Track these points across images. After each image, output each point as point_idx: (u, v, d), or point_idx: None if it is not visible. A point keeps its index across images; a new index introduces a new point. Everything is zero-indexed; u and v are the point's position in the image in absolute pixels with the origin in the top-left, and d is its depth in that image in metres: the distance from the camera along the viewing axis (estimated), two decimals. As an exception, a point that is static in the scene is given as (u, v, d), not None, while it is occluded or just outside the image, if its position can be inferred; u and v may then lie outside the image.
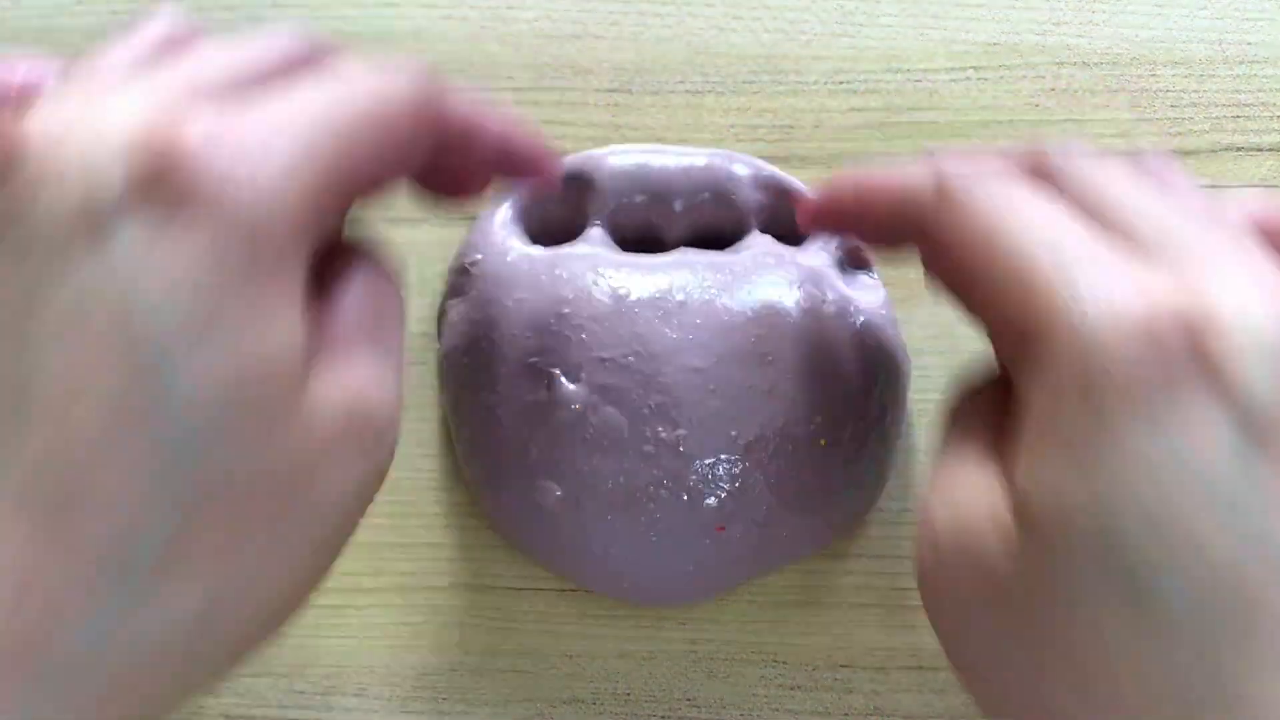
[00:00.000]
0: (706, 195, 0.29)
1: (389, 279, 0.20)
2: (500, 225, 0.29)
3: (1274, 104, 0.31)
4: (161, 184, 0.16)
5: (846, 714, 0.28)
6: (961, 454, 0.20)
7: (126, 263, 0.16)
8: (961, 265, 0.20)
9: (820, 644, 0.29)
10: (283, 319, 0.17)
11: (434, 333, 0.29)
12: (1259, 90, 0.31)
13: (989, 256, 0.19)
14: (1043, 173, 0.21)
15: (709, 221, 0.29)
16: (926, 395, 0.29)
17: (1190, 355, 0.17)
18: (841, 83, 0.31)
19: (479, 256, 0.28)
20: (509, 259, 0.28)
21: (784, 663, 0.29)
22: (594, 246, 0.28)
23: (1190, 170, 0.31)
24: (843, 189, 0.23)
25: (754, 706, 0.28)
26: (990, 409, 0.20)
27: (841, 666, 0.29)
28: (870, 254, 0.29)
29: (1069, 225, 0.19)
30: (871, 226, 0.23)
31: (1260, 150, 0.31)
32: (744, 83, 0.31)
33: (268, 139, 0.17)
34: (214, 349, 0.16)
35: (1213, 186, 0.31)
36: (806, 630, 0.29)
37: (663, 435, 0.26)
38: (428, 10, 0.31)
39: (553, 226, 0.29)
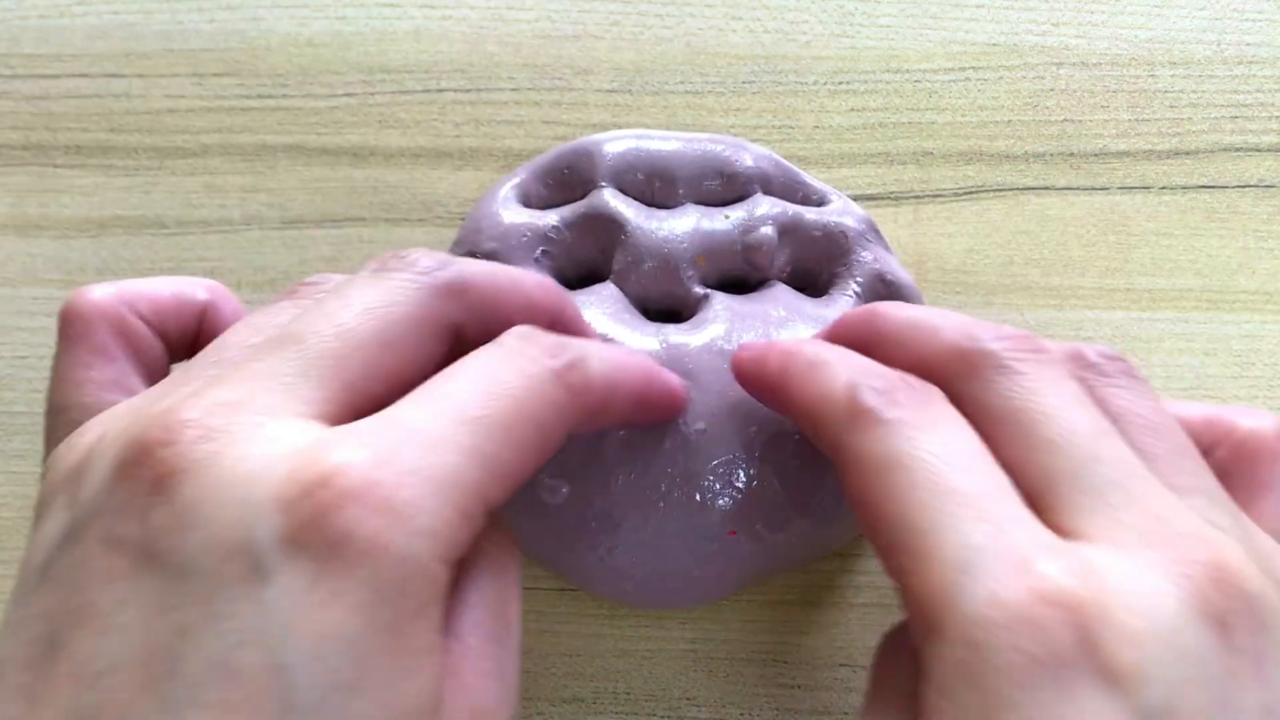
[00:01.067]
0: (707, 167, 0.29)
1: (511, 572, 0.20)
2: (502, 206, 0.29)
3: (1273, 104, 0.31)
4: (316, 532, 0.16)
5: (846, 714, 0.28)
6: (877, 715, 0.20)
7: (280, 614, 0.15)
8: (862, 502, 0.19)
9: (820, 644, 0.29)
10: (425, 669, 0.16)
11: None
12: (1257, 91, 0.31)
13: (887, 507, 0.19)
14: (972, 381, 0.20)
15: (714, 195, 0.29)
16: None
17: (1080, 645, 0.16)
18: (841, 83, 0.31)
19: (493, 245, 0.28)
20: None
21: (784, 663, 0.29)
22: (604, 301, 0.27)
23: (1188, 171, 0.31)
24: (769, 364, 0.23)
25: (754, 706, 0.28)
26: (909, 670, 0.20)
27: (841, 666, 0.29)
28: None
29: (975, 480, 0.18)
30: (790, 414, 0.22)
31: (1259, 150, 0.31)
32: (744, 83, 0.31)
33: (419, 468, 0.17)
34: (359, 706, 0.16)
35: (1211, 187, 0.31)
36: (806, 630, 0.29)
37: (681, 428, 0.26)
38: (428, 11, 0.31)
39: (556, 202, 0.29)
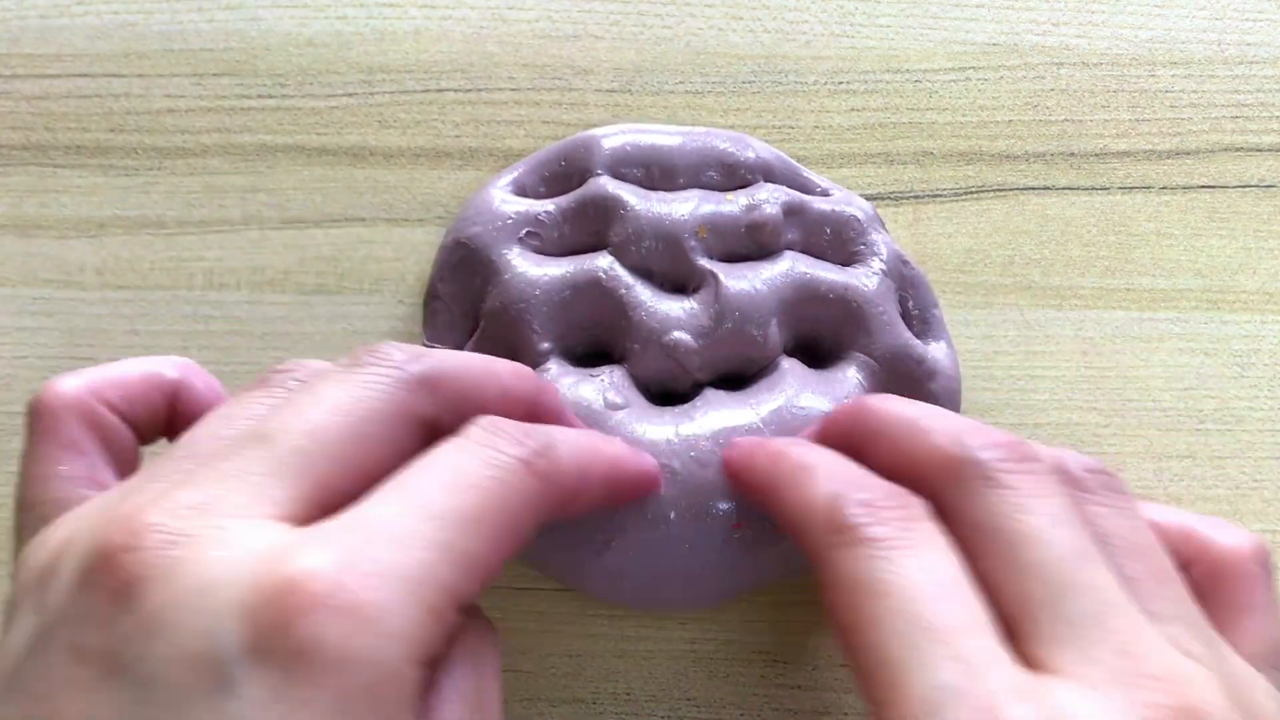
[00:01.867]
0: (708, 159, 0.29)
1: (488, 664, 0.19)
2: (493, 195, 0.29)
3: (1273, 104, 0.31)
4: (281, 640, 0.15)
5: (846, 714, 0.28)
6: None
7: None
8: (840, 623, 0.19)
9: (820, 644, 0.29)
10: None
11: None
12: (1258, 91, 0.31)
13: (863, 634, 0.19)
14: (959, 491, 0.20)
15: (714, 186, 0.29)
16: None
17: None
18: (841, 83, 0.31)
19: (476, 229, 0.28)
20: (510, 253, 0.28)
21: (784, 663, 0.29)
22: (610, 387, 0.27)
23: (1189, 171, 0.31)
24: (756, 465, 0.23)
25: (754, 706, 0.28)
26: None
27: (841, 666, 0.29)
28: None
29: (951, 612, 0.18)
30: (775, 517, 0.22)
31: (1259, 150, 0.31)
32: (744, 83, 0.31)
33: (386, 568, 0.16)
34: None
35: (1211, 187, 0.31)
36: (806, 630, 0.29)
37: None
38: (427, 11, 0.31)
39: (552, 194, 0.29)
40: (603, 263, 0.27)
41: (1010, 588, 0.19)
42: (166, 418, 0.23)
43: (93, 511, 0.18)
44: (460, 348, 0.28)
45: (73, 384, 0.21)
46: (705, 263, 0.27)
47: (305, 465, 0.18)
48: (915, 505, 0.20)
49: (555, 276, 0.27)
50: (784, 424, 0.26)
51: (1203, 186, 0.31)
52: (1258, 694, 0.19)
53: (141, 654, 0.16)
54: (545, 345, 0.27)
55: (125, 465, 0.22)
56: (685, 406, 0.27)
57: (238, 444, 0.18)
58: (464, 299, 0.29)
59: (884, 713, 0.18)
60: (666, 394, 0.27)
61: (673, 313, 0.27)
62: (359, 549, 0.16)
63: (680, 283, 0.28)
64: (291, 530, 0.17)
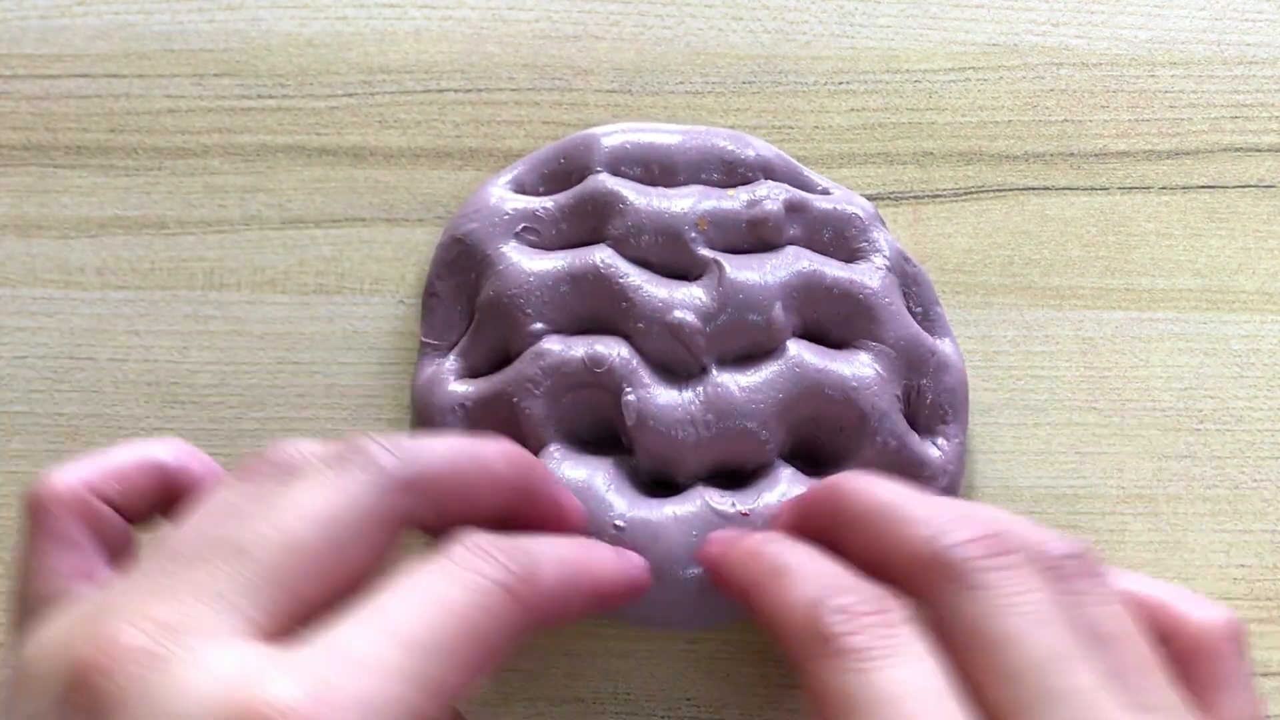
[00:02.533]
0: (709, 157, 0.29)
1: None
2: (491, 192, 0.29)
3: (1272, 104, 0.31)
4: None
5: (846, 714, 0.28)
6: None
7: None
8: None
9: (820, 644, 0.29)
10: None
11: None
12: (1257, 91, 0.31)
13: None
14: (939, 590, 0.20)
15: (715, 184, 0.29)
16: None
17: None
18: (841, 83, 0.31)
19: (473, 225, 0.28)
20: (505, 247, 0.28)
21: (784, 662, 0.29)
22: (609, 480, 0.27)
23: (1188, 171, 0.31)
24: (732, 565, 0.23)
25: (754, 706, 0.28)
26: None
27: (841, 666, 0.29)
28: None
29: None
30: (753, 617, 0.22)
31: (1259, 150, 0.31)
32: (744, 83, 0.31)
33: (357, 702, 0.16)
34: None
35: (1211, 187, 0.31)
36: (806, 630, 0.29)
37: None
38: (427, 11, 0.31)
39: (553, 191, 0.29)
40: (601, 254, 0.27)
41: (993, 692, 0.19)
42: (163, 502, 0.23)
43: (71, 623, 0.18)
44: (456, 344, 0.28)
45: (67, 479, 0.22)
46: (707, 252, 0.27)
47: (283, 580, 0.18)
48: (894, 610, 0.20)
49: (551, 268, 0.27)
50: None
51: (1202, 186, 0.31)
52: None
53: None
54: (538, 326, 0.27)
55: (119, 553, 0.22)
56: (681, 496, 0.26)
57: (215, 554, 0.18)
58: (460, 295, 0.29)
59: None
60: (664, 483, 0.27)
61: (675, 295, 0.27)
62: (331, 682, 0.16)
63: (681, 273, 0.28)
64: (263, 653, 0.17)
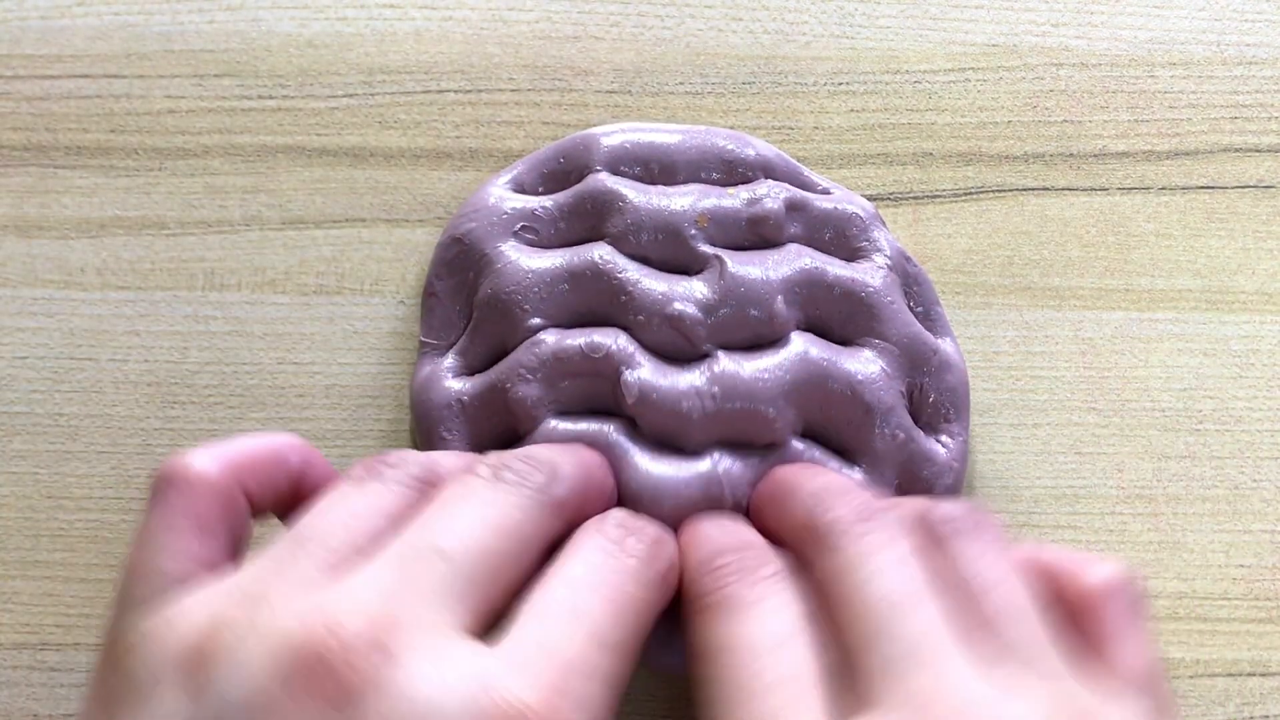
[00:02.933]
0: (709, 156, 0.29)
1: None
2: (491, 191, 0.29)
3: (1272, 105, 0.31)
4: None
5: (846, 714, 0.28)
6: None
7: None
8: (694, 684, 0.21)
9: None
10: None
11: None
12: (1257, 91, 0.31)
13: (704, 693, 0.20)
14: (815, 550, 0.22)
15: (715, 184, 0.29)
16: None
17: None
18: (841, 84, 0.31)
19: (471, 225, 0.28)
20: (504, 247, 0.28)
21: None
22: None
23: (1188, 171, 0.31)
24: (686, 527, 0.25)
25: (754, 706, 0.28)
26: None
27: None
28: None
29: (777, 670, 0.20)
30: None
31: (1258, 151, 0.31)
32: (744, 84, 0.31)
33: (583, 705, 0.18)
34: None
35: (1211, 187, 0.31)
36: (806, 630, 0.29)
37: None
38: (428, 12, 0.31)
39: (553, 190, 0.29)
40: (599, 251, 0.27)
41: (843, 635, 0.20)
42: (286, 499, 0.23)
43: (243, 602, 0.18)
44: (454, 344, 0.28)
45: (215, 465, 0.21)
46: (708, 248, 0.27)
47: (482, 585, 0.19)
48: (770, 564, 0.22)
49: (549, 265, 0.27)
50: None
51: (1202, 187, 0.31)
52: None
53: None
54: (536, 322, 0.27)
55: (239, 545, 0.22)
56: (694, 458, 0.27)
57: (408, 554, 0.19)
58: (459, 295, 0.29)
59: None
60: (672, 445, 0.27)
61: (676, 288, 0.27)
62: (558, 687, 0.18)
63: (681, 269, 0.28)
64: (491, 652, 0.18)
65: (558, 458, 0.23)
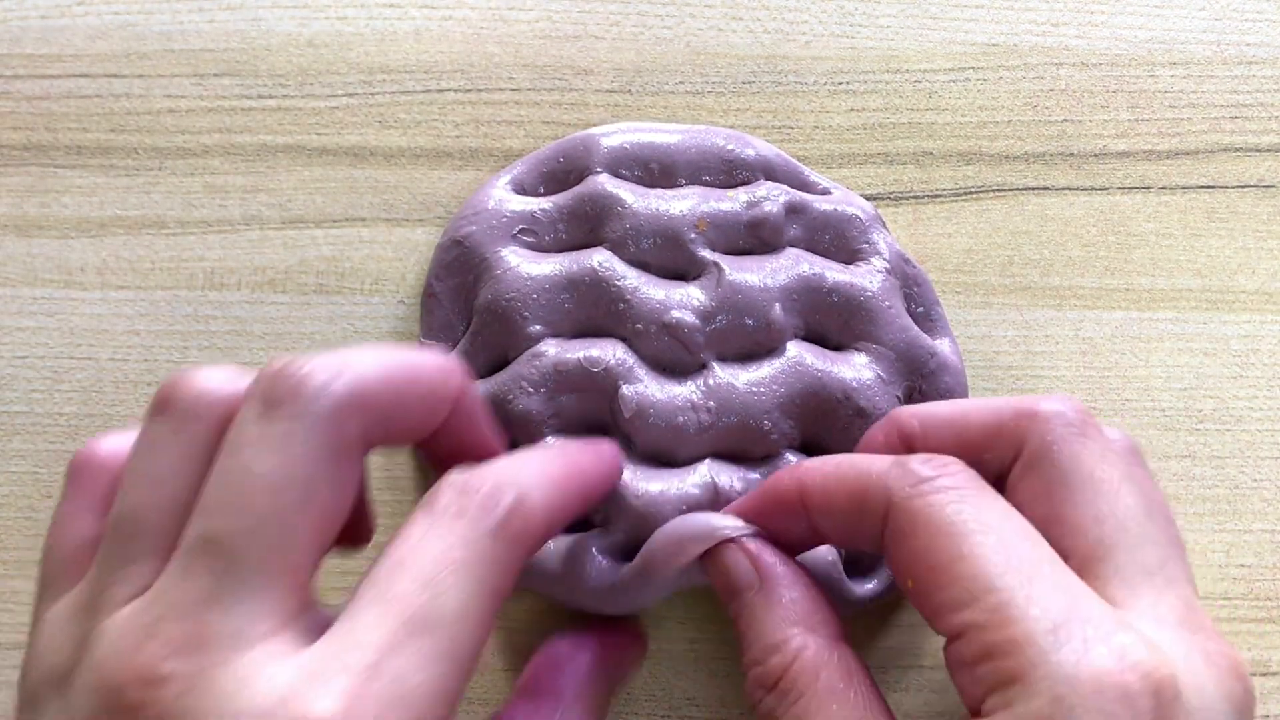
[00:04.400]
0: (709, 156, 0.29)
1: None
2: (490, 193, 0.29)
3: (1272, 104, 0.31)
4: None
5: (846, 713, 0.28)
6: None
7: None
8: (929, 564, 0.21)
9: (820, 644, 0.29)
10: None
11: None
12: (1257, 91, 0.31)
13: (962, 567, 0.20)
14: (1047, 442, 0.22)
15: (715, 185, 0.29)
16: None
17: (1155, 713, 0.18)
18: (841, 84, 0.31)
19: (471, 228, 0.28)
20: (503, 251, 0.28)
21: (784, 662, 0.29)
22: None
23: (1188, 171, 0.31)
24: (785, 485, 0.24)
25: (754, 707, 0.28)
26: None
27: (841, 666, 0.29)
28: None
29: (1042, 552, 0.20)
30: (817, 521, 0.23)
31: (1258, 150, 0.31)
32: (744, 83, 0.31)
33: (394, 706, 0.17)
34: None
35: (1211, 187, 0.31)
36: (806, 630, 0.29)
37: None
38: (428, 11, 0.31)
39: (553, 191, 0.29)
40: (598, 257, 0.27)
41: (1090, 532, 0.21)
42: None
43: (79, 622, 0.19)
44: (455, 345, 0.28)
45: (111, 445, 0.22)
46: (707, 254, 0.27)
47: (273, 563, 0.18)
48: (969, 468, 0.22)
49: (548, 273, 0.27)
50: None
51: (1202, 187, 0.31)
52: None
53: None
54: (536, 329, 0.27)
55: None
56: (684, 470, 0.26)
57: (197, 552, 0.18)
58: (459, 297, 0.29)
59: (992, 636, 0.19)
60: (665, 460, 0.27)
61: (673, 295, 0.27)
62: (360, 692, 0.17)
63: (680, 275, 0.28)
64: (289, 662, 0.17)
65: (344, 356, 0.19)
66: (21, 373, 0.30)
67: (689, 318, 0.26)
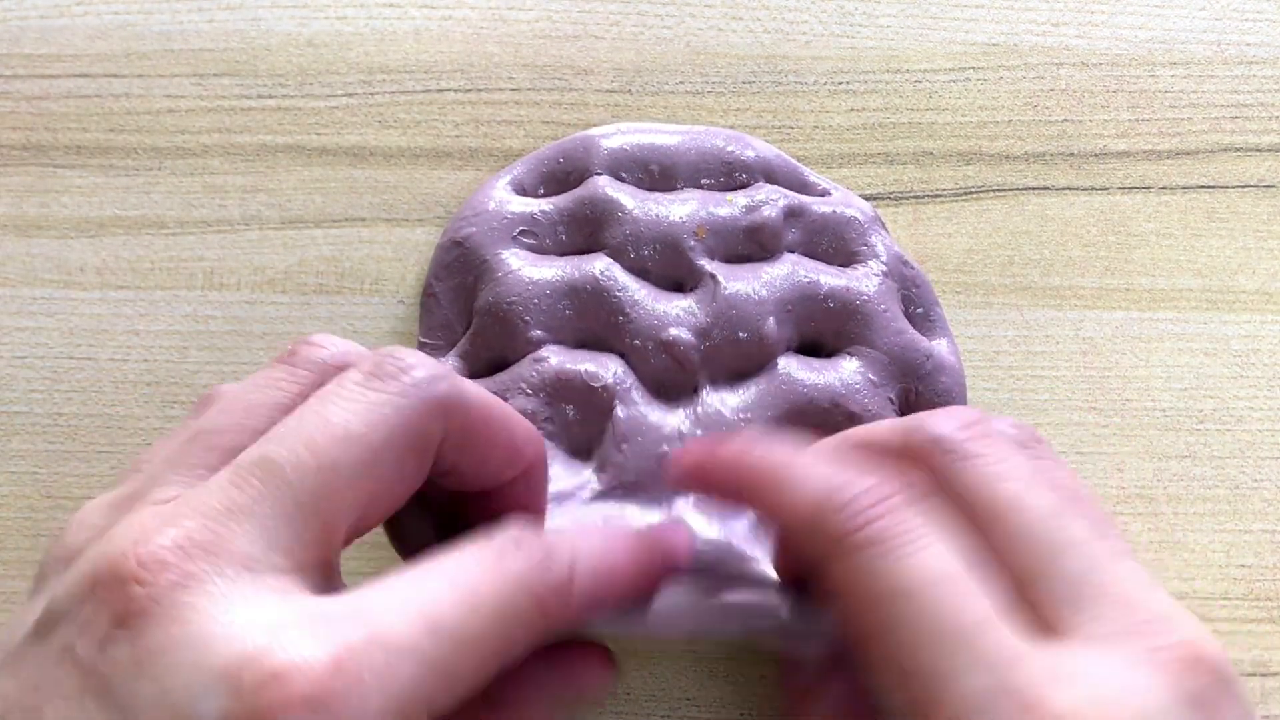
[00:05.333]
0: (708, 158, 0.29)
1: None
2: (490, 194, 0.29)
3: (1272, 104, 0.31)
4: None
5: (846, 714, 0.28)
6: None
7: None
8: (864, 632, 0.19)
9: (820, 644, 0.29)
10: None
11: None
12: (1257, 91, 0.31)
13: (891, 638, 0.19)
14: (939, 473, 0.21)
15: (715, 186, 0.29)
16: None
17: None
18: (841, 84, 0.31)
19: (471, 229, 0.28)
20: (506, 255, 0.28)
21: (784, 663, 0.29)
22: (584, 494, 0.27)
23: (1188, 171, 0.31)
24: (720, 468, 0.22)
25: (754, 706, 0.28)
26: None
27: (841, 666, 0.29)
28: None
29: (971, 608, 0.19)
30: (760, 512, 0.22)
31: (1259, 150, 0.31)
32: (744, 83, 0.31)
33: (376, 678, 0.16)
34: None
35: (1211, 187, 0.31)
36: (806, 630, 0.29)
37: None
38: (427, 11, 0.31)
39: (551, 193, 0.29)
40: (599, 265, 0.27)
41: (1012, 556, 0.20)
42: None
43: (114, 509, 0.19)
44: (453, 346, 0.28)
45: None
46: (705, 263, 0.27)
47: (317, 506, 0.18)
48: (901, 494, 0.20)
49: (549, 278, 0.27)
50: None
51: (1202, 187, 0.31)
52: None
53: (126, 687, 0.16)
54: (537, 334, 0.27)
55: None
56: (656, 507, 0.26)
57: (248, 470, 0.18)
58: (459, 298, 0.29)
59: (926, 711, 0.18)
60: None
61: (671, 310, 0.27)
62: (354, 653, 0.16)
63: (678, 282, 0.28)
64: (294, 600, 0.17)
65: (453, 374, 0.20)
66: (21, 373, 0.30)
67: (685, 335, 0.27)
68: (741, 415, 0.26)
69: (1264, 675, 0.29)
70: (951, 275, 0.30)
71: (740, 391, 0.27)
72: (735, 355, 0.27)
